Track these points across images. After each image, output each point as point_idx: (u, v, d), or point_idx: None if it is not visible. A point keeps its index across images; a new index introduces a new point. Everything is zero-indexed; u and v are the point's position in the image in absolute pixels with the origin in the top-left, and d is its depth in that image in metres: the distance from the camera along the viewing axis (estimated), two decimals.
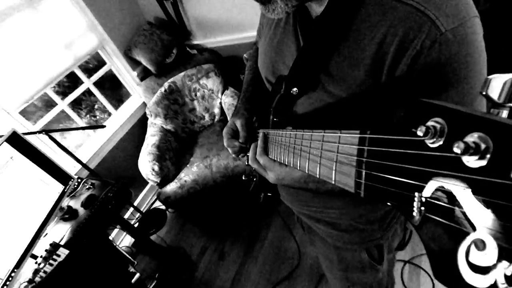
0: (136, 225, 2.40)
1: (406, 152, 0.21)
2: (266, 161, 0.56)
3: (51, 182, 1.53)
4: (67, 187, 1.62)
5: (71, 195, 1.73)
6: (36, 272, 1.35)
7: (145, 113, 2.50)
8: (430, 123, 0.19)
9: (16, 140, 1.39)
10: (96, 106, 3.02)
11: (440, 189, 0.19)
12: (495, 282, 0.15)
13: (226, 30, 2.31)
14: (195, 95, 2.37)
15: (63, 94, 2.13)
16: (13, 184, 1.37)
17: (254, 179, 0.82)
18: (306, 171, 0.40)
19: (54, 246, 1.44)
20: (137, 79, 2.50)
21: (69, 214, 1.60)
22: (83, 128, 1.85)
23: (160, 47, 2.30)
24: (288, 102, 0.58)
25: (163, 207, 2.55)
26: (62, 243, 1.47)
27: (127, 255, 1.73)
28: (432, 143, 0.19)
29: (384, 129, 0.24)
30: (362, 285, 0.87)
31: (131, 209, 2.39)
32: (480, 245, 0.16)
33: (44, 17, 1.85)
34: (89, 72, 2.33)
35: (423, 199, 0.20)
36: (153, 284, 1.89)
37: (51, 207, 1.51)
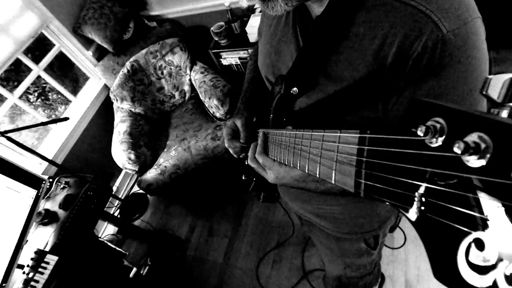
0: (117, 213, 2.36)
1: (406, 152, 0.21)
2: (265, 160, 0.57)
3: (22, 189, 1.42)
4: (40, 190, 1.52)
5: (45, 197, 1.64)
6: (26, 282, 1.31)
7: (108, 96, 2.32)
8: (430, 123, 0.19)
9: None
10: (47, 88, 2.73)
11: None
12: (495, 282, 0.15)
13: None
14: (162, 73, 2.22)
15: (7, 85, 1.89)
16: None
17: (254, 179, 0.82)
18: (306, 171, 0.40)
19: (40, 254, 1.39)
20: (93, 59, 2.26)
21: (48, 218, 1.53)
22: (44, 124, 1.68)
23: (114, 22, 2.07)
24: (288, 102, 0.58)
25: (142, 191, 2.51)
26: (47, 249, 1.42)
27: (118, 249, 1.72)
28: (432, 143, 0.19)
29: (384, 128, 0.24)
30: (357, 266, 0.95)
31: (110, 198, 2.32)
32: (480, 245, 0.16)
33: None
34: (35, 56, 2.07)
35: (423, 199, 0.20)
36: (147, 269, 1.92)
37: (27, 214, 1.42)
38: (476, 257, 0.16)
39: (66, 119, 1.75)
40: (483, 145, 0.16)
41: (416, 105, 0.21)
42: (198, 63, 2.22)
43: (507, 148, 0.15)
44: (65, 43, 2.10)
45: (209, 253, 2.01)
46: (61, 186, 1.64)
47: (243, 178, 0.86)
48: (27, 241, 1.49)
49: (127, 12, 2.13)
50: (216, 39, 2.04)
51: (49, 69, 2.10)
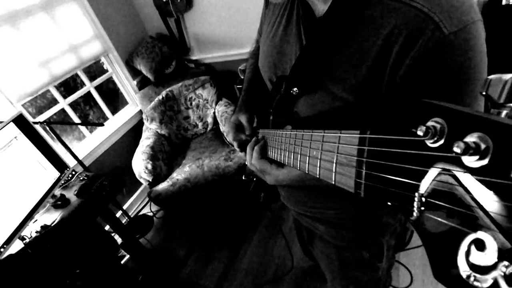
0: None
1: (406, 152, 0.21)
2: (262, 165, 0.56)
3: (48, 167, 1.58)
4: (63, 175, 1.66)
5: (64, 185, 1.77)
6: (23, 250, 1.35)
7: (140, 121, 2.61)
8: (430, 123, 0.19)
9: (21, 123, 1.47)
10: (90, 117, 3.11)
11: (443, 172, 0.19)
12: (496, 282, 0.15)
13: (222, 46, 2.53)
14: (190, 104, 2.51)
15: (64, 97, 2.23)
16: (13, 163, 1.42)
17: (254, 179, 0.82)
18: (306, 172, 0.40)
19: (45, 228, 1.46)
20: (135, 87, 2.64)
21: (61, 202, 1.63)
22: (82, 124, 1.93)
23: (160, 58, 2.48)
24: (288, 102, 0.58)
25: (150, 213, 2.56)
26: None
27: (117, 241, 1.73)
28: (432, 143, 0.19)
29: (384, 129, 0.24)
30: (362, 283, 0.86)
31: (120, 212, 2.39)
32: (480, 245, 0.16)
33: (57, 21, 2.01)
34: (91, 79, 2.46)
35: (423, 199, 0.20)
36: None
37: (46, 191, 1.54)
38: (477, 257, 0.16)
39: (102, 124, 2.00)
40: (483, 145, 0.16)
41: (416, 105, 0.21)
42: (224, 99, 2.51)
43: (507, 148, 0.15)
44: (117, 70, 2.51)
45: (203, 278, 1.92)
46: (81, 178, 1.78)
47: (243, 178, 0.86)
48: (36, 220, 1.58)
49: (173, 52, 2.56)
50: (242, 77, 2.36)
51: (98, 88, 2.46)
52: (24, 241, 1.38)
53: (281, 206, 2.17)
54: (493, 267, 0.15)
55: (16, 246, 1.36)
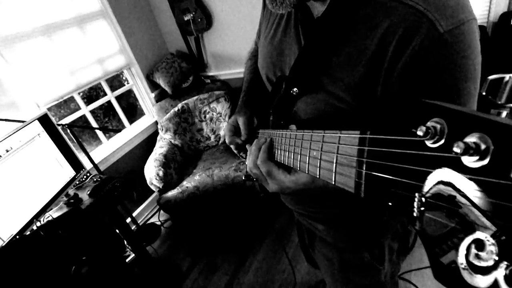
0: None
1: (406, 153, 0.21)
2: (269, 167, 0.53)
3: (65, 166, 1.65)
4: (78, 175, 1.73)
5: (78, 186, 1.83)
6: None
7: (155, 131, 2.71)
8: (430, 123, 0.19)
9: (45, 122, 1.56)
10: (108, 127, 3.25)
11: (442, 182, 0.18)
12: (496, 282, 0.15)
13: (237, 63, 2.65)
14: (204, 117, 2.59)
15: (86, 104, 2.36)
16: (33, 158, 1.50)
17: (255, 179, 0.82)
18: (306, 172, 0.40)
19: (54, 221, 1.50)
20: (153, 100, 2.76)
21: (73, 200, 1.68)
22: (101, 129, 2.03)
23: (178, 73, 2.61)
24: (288, 103, 0.58)
25: (158, 222, 2.57)
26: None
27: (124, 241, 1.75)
28: (432, 143, 0.19)
29: (384, 129, 0.24)
30: (363, 287, 0.83)
31: (129, 219, 2.42)
32: (480, 245, 0.16)
33: (86, 35, 2.18)
34: (112, 90, 2.61)
35: (423, 199, 0.20)
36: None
37: (60, 188, 1.60)
38: (476, 257, 0.16)
39: (119, 130, 2.09)
40: (483, 146, 0.16)
41: (416, 105, 0.21)
42: None
43: (507, 149, 0.15)
44: (138, 83, 2.65)
45: None
46: (95, 180, 1.84)
47: (243, 178, 0.84)
48: (48, 216, 1.63)
49: (191, 68, 2.69)
50: None
51: (117, 101, 2.60)
52: (37, 225, 1.42)
53: (287, 220, 2.15)
54: (493, 267, 0.15)
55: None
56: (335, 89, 0.49)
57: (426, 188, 0.20)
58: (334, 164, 0.32)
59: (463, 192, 0.17)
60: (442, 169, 0.19)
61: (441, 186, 0.19)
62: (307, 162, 0.40)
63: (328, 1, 0.48)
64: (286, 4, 0.48)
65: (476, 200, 0.16)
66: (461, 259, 0.17)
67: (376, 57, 0.43)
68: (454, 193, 0.18)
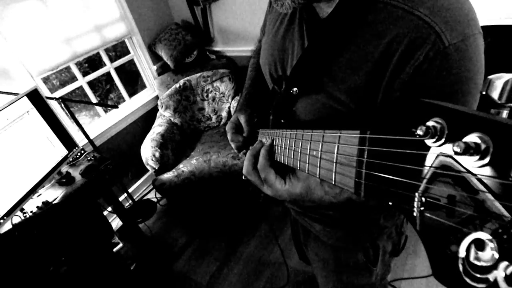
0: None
1: (406, 152, 0.22)
2: (268, 175, 0.51)
3: (57, 145, 1.60)
4: (71, 153, 1.68)
5: (71, 163, 1.79)
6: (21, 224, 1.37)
7: (155, 106, 2.61)
8: (430, 123, 0.19)
9: (35, 98, 1.48)
10: (110, 95, 3.16)
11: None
12: (496, 282, 0.15)
13: (246, 40, 2.47)
14: (207, 96, 2.48)
15: (87, 73, 2.25)
16: (23, 137, 1.43)
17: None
18: (306, 172, 0.40)
19: (46, 205, 1.47)
20: (155, 73, 2.63)
21: (66, 179, 1.65)
22: (97, 104, 1.94)
23: (182, 46, 2.45)
24: (288, 102, 0.58)
25: (155, 199, 2.58)
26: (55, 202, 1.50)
27: (112, 227, 1.74)
28: (432, 143, 0.19)
29: (384, 129, 0.24)
30: (355, 287, 0.85)
31: (125, 194, 2.42)
32: (480, 245, 0.16)
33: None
34: (116, 58, 2.48)
35: (423, 199, 0.20)
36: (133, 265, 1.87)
37: (52, 168, 1.56)
38: (476, 257, 0.16)
39: (116, 106, 2.00)
40: (483, 146, 0.16)
41: (416, 105, 0.21)
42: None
43: (507, 148, 0.15)
44: (139, 54, 2.51)
45: (195, 273, 1.91)
46: (88, 158, 1.79)
47: (243, 178, 0.83)
48: (40, 194, 1.61)
49: (195, 42, 2.52)
50: None
51: (121, 68, 2.48)
52: (14, 223, 1.39)
53: (281, 212, 2.12)
54: (493, 267, 0.15)
55: (15, 219, 1.38)
56: (335, 91, 0.49)
57: (423, 185, 0.20)
58: (334, 164, 0.32)
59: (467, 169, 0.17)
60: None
61: (442, 158, 0.19)
62: (307, 162, 0.39)
63: (335, 3, 0.47)
64: (286, 6, 0.47)
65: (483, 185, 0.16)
66: (461, 259, 0.17)
67: (380, 65, 0.43)
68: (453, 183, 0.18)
